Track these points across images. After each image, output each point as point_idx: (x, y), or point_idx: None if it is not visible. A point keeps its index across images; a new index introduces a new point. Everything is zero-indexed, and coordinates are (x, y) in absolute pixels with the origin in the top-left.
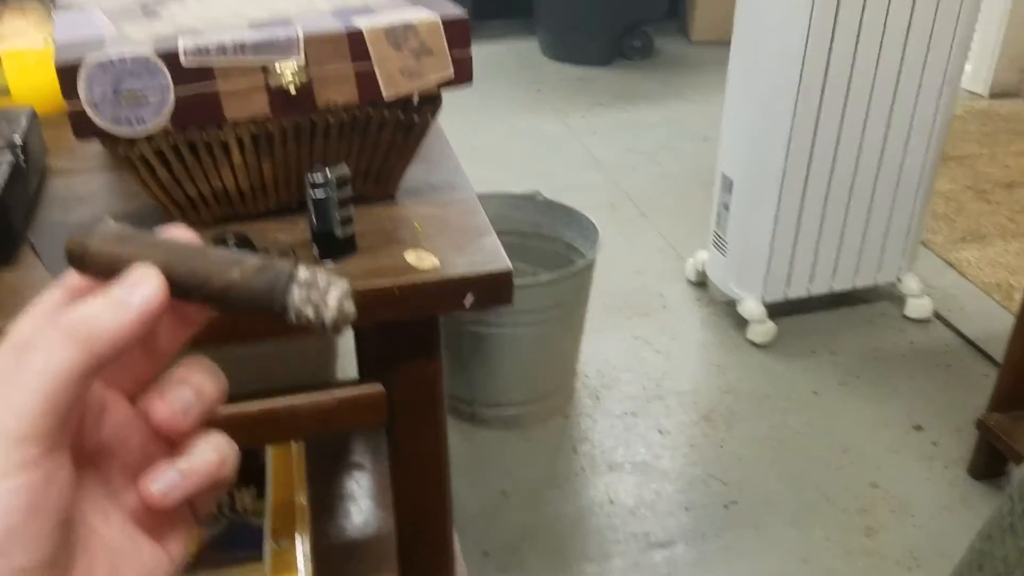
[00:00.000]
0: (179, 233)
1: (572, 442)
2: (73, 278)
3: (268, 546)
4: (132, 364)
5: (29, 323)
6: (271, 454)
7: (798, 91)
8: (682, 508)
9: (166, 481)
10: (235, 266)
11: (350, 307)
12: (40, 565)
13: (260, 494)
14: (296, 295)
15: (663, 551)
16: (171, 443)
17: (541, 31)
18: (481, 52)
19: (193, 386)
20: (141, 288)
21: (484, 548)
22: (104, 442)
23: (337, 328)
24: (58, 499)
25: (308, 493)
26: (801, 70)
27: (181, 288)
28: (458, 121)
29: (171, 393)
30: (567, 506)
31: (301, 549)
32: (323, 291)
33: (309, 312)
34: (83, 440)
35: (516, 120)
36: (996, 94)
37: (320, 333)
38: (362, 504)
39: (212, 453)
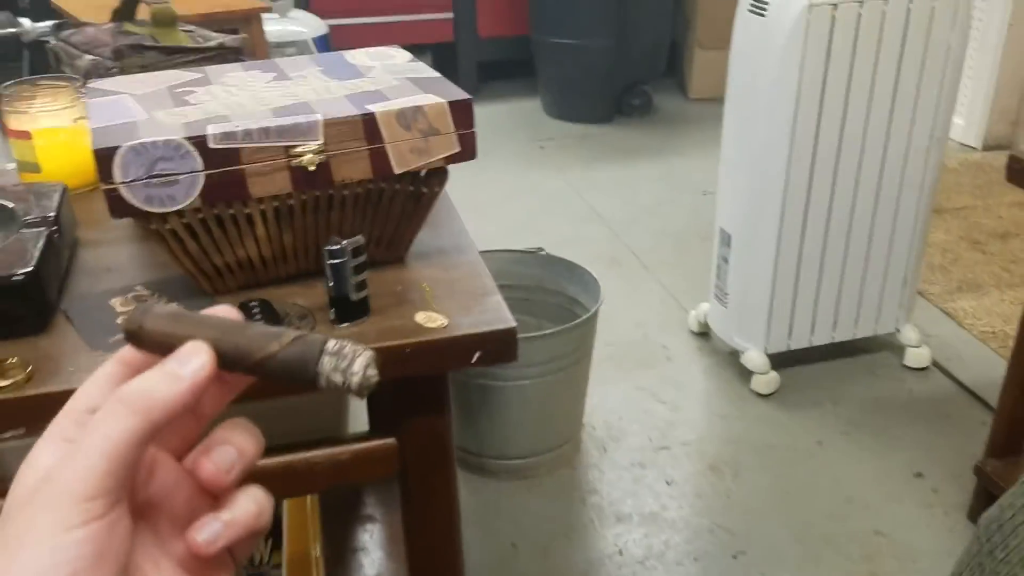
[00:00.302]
0: (222, 311)
1: (580, 493)
2: (128, 352)
3: None
4: (180, 426)
5: (92, 391)
6: (286, 506)
7: (790, 148)
8: (691, 558)
9: (211, 531)
10: (273, 340)
11: (373, 373)
12: None
13: (276, 545)
14: (326, 364)
15: None
16: (214, 496)
17: (544, 91)
18: (486, 112)
19: (236, 446)
20: (192, 362)
21: None
22: (155, 497)
23: (361, 393)
24: (118, 548)
25: (322, 545)
26: (792, 128)
27: (226, 360)
28: (464, 178)
29: (216, 453)
30: (576, 557)
31: None
32: (350, 360)
33: (337, 379)
34: (137, 495)
35: (520, 176)
36: (989, 146)
37: (346, 396)
38: (374, 555)
39: (252, 505)
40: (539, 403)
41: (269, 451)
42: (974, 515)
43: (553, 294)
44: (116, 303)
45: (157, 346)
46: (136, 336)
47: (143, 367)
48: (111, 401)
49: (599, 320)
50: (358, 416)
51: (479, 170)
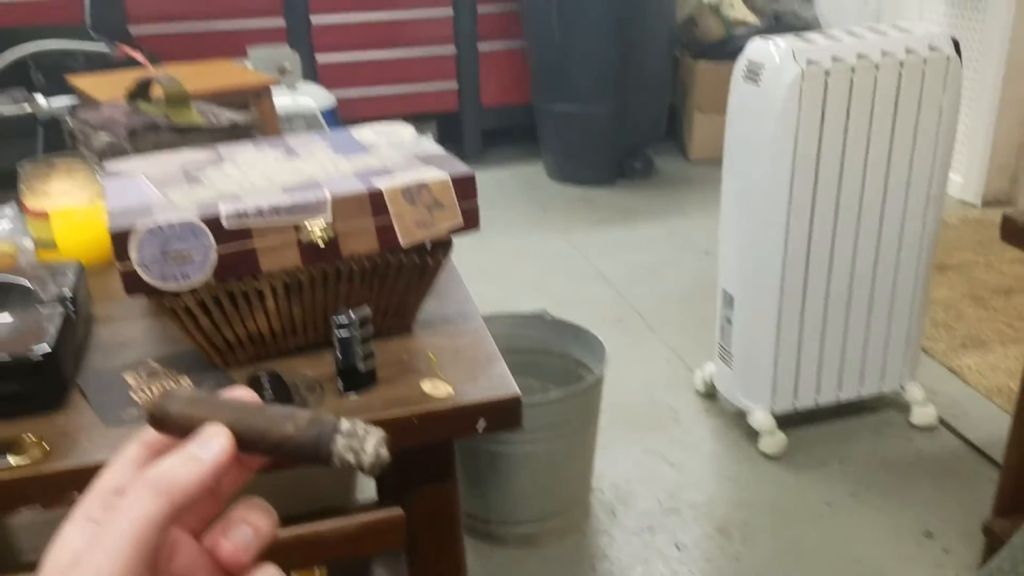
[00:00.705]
0: (240, 393)
1: (590, 560)
2: (150, 434)
3: None
4: (200, 507)
5: (116, 473)
6: None
7: (788, 210)
8: None
9: None
10: (289, 421)
11: (385, 453)
12: None
13: None
14: (340, 444)
15: None
16: (230, 574)
17: (546, 155)
18: (490, 176)
19: (252, 525)
20: (213, 445)
21: None
22: (175, 574)
23: (373, 471)
24: None
25: None
26: (790, 191)
27: (244, 442)
28: (468, 241)
29: (234, 533)
30: None
31: None
32: (362, 439)
33: (350, 458)
34: (159, 574)
35: (523, 239)
36: (988, 203)
37: (359, 473)
38: None
39: None
40: (547, 467)
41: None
42: None
43: (559, 357)
44: (129, 378)
45: (178, 429)
46: (159, 420)
47: (164, 449)
48: (136, 485)
49: (605, 382)
50: (366, 484)
51: (484, 233)
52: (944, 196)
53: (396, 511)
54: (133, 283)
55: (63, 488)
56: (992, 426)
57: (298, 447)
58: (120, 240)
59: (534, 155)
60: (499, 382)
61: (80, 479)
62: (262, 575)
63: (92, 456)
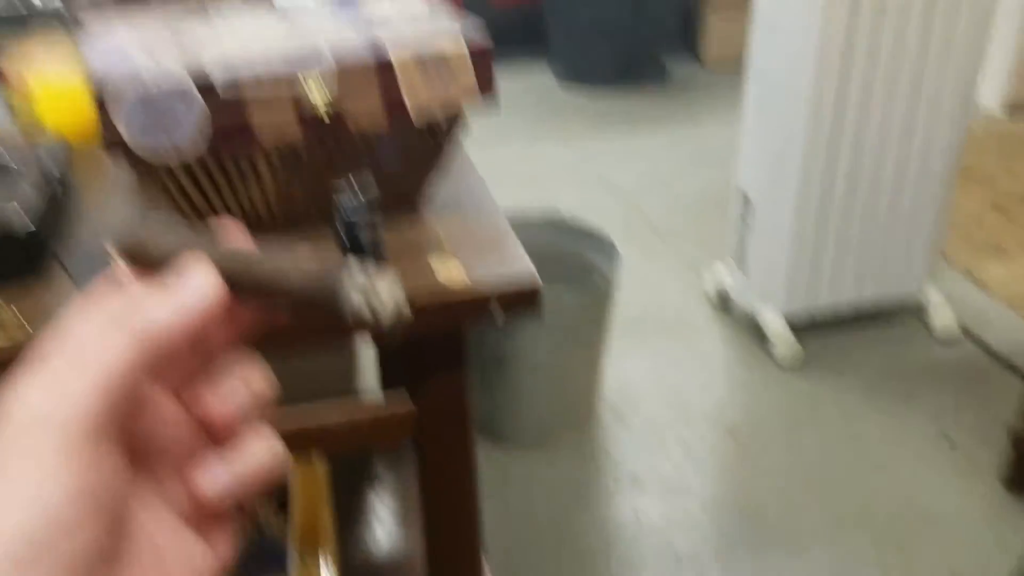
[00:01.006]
0: (234, 230)
1: (597, 462)
2: (122, 273)
3: (293, 563)
4: (181, 362)
5: (79, 317)
6: (295, 471)
7: (814, 107)
8: (710, 525)
9: (220, 481)
10: (293, 267)
11: (406, 309)
12: (91, 557)
13: (284, 510)
14: (355, 297)
15: (692, 568)
16: (219, 442)
17: (555, 59)
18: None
19: (245, 383)
20: (199, 286)
21: (510, 568)
22: (153, 439)
23: (393, 329)
24: (113, 495)
25: (332, 510)
26: (816, 86)
27: (237, 286)
28: (473, 147)
29: (225, 391)
30: (593, 525)
31: (326, 567)
32: (379, 291)
33: (365, 311)
34: (133, 436)
35: (531, 147)
36: (1014, 112)
37: (376, 334)
38: (386, 522)
39: (266, 453)
40: (557, 371)
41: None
42: (1007, 482)
43: (570, 261)
44: (110, 247)
45: (157, 265)
46: (134, 254)
47: (139, 291)
48: (105, 327)
49: (615, 289)
50: (367, 373)
51: (489, 139)
52: (974, 98)
53: (405, 400)
54: (120, 152)
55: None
56: (1014, 335)
57: (305, 299)
58: (107, 108)
59: (543, 60)
60: (517, 268)
61: None
62: (259, 445)
63: None
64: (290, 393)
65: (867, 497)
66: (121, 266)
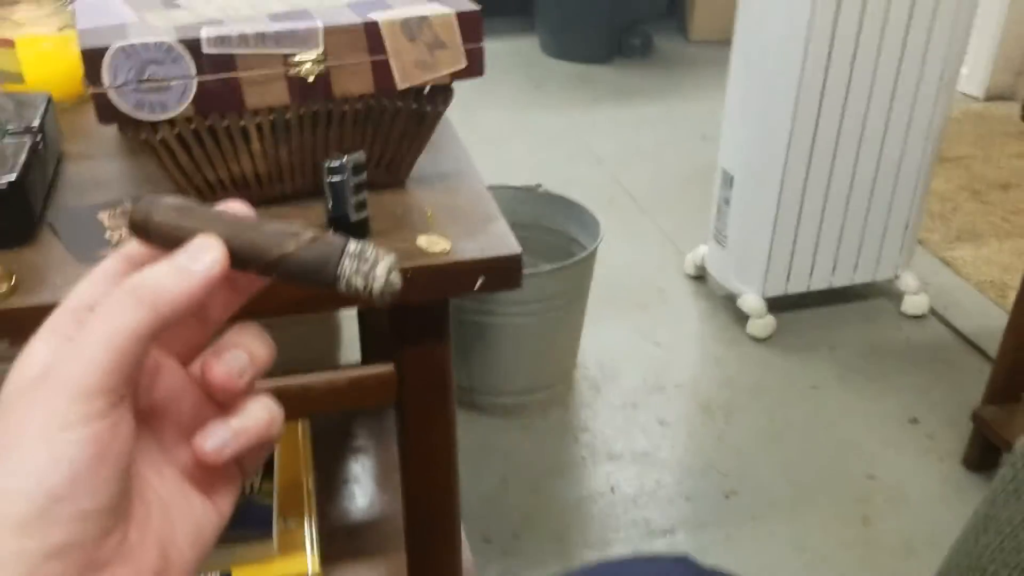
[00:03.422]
0: (237, 207)
1: (573, 432)
2: (132, 247)
3: (276, 525)
4: (186, 330)
5: (93, 287)
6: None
7: (799, 89)
8: (682, 497)
9: (219, 438)
10: (291, 238)
11: (397, 279)
12: (102, 510)
13: (267, 475)
14: (347, 266)
15: (664, 539)
16: (221, 406)
17: (541, 29)
18: None
19: (246, 350)
20: (204, 256)
21: (485, 534)
22: (158, 403)
23: (384, 298)
24: (120, 450)
25: (314, 474)
26: (802, 68)
27: (239, 258)
28: (457, 117)
29: (227, 356)
30: (568, 494)
31: (308, 528)
32: (372, 263)
33: (358, 282)
34: (140, 400)
35: (516, 116)
36: (991, 97)
37: (368, 303)
38: (367, 486)
39: (263, 413)
40: (534, 341)
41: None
42: (969, 461)
43: (551, 233)
44: (104, 217)
45: (165, 240)
46: (142, 228)
47: (147, 263)
48: (116, 292)
49: (595, 261)
50: (351, 348)
51: (474, 108)
52: (956, 84)
53: (387, 368)
54: (106, 109)
55: (32, 324)
56: (983, 318)
57: (300, 267)
58: (92, 60)
59: (529, 29)
60: (499, 240)
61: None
62: (257, 406)
63: (64, 293)
64: (276, 362)
65: (833, 472)
66: (132, 243)
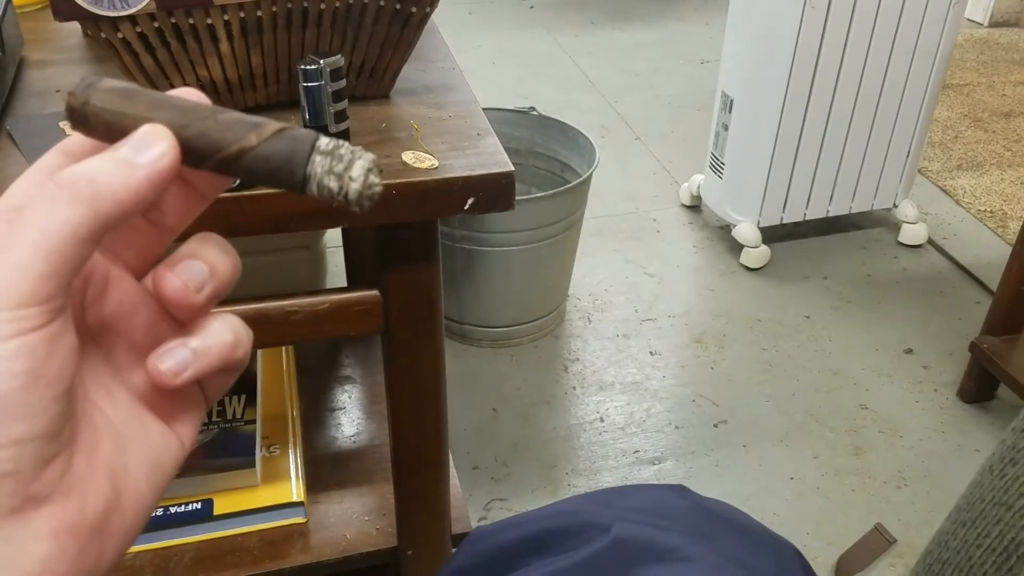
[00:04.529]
0: (189, 92)
1: (563, 362)
2: (72, 141)
3: (259, 453)
4: (137, 237)
5: (26, 186)
6: (261, 363)
7: (803, 10)
8: (672, 427)
9: (177, 359)
10: (252, 130)
11: (376, 180)
12: (39, 436)
13: (250, 402)
14: (318, 164)
15: (652, 467)
16: (179, 324)
17: None
18: None
19: (206, 261)
20: (151, 148)
21: (474, 463)
22: (108, 318)
23: (361, 203)
24: (59, 368)
25: (299, 403)
26: None
27: (193, 153)
28: (446, 37)
29: (183, 267)
30: (557, 423)
31: (293, 456)
32: (348, 162)
33: (332, 184)
34: (86, 315)
35: (506, 39)
36: (996, 23)
37: (343, 207)
38: (353, 415)
39: (227, 333)
40: (525, 270)
41: (241, 300)
42: (964, 393)
43: (544, 159)
44: (66, 126)
45: (107, 129)
46: (81, 115)
47: (89, 157)
48: (48, 186)
49: (589, 191)
50: (337, 279)
51: (463, 30)
52: (965, 6)
53: (372, 293)
54: (63, 4)
55: None
56: (982, 249)
57: (263, 164)
58: None
59: None
60: (490, 157)
61: None
62: (220, 324)
63: None
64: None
65: (825, 402)
66: (71, 131)
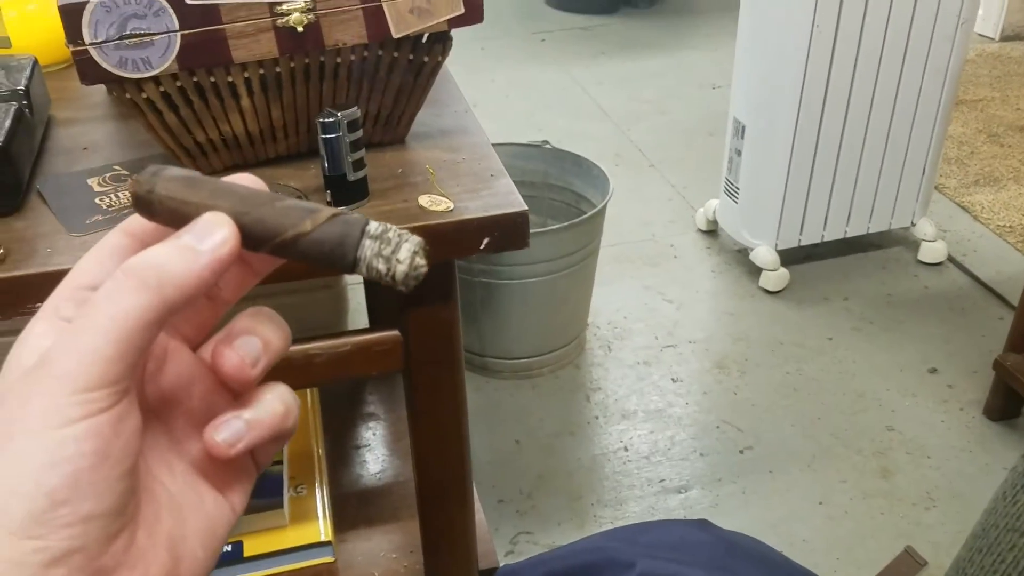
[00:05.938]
0: (246, 179)
1: (585, 391)
2: (135, 222)
3: (287, 493)
4: (195, 311)
5: (94, 265)
6: None
7: (811, 34)
8: (697, 454)
9: (232, 431)
10: (307, 216)
11: (422, 262)
12: (107, 513)
13: None
14: (368, 248)
15: (678, 496)
16: (233, 394)
17: None
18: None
19: (261, 336)
20: (213, 235)
21: (500, 496)
22: (167, 391)
23: (407, 283)
24: (125, 447)
25: (324, 441)
26: (814, 11)
27: (251, 238)
28: (459, 72)
29: (240, 343)
30: (581, 453)
31: (320, 495)
32: (395, 245)
33: (380, 266)
34: (146, 388)
35: (519, 71)
36: (1007, 37)
37: (390, 287)
38: (378, 452)
39: (278, 404)
40: (544, 301)
41: None
42: (990, 411)
43: (559, 190)
44: (94, 183)
45: (170, 216)
46: (146, 202)
47: (152, 240)
48: (117, 275)
49: (605, 218)
50: (357, 314)
51: (476, 63)
52: (974, 23)
53: (392, 333)
54: (88, 68)
55: (21, 296)
56: (1002, 264)
57: (317, 248)
58: (71, 17)
59: None
60: (504, 198)
61: (41, 287)
62: (272, 396)
63: (54, 263)
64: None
65: (851, 425)
66: (134, 218)
